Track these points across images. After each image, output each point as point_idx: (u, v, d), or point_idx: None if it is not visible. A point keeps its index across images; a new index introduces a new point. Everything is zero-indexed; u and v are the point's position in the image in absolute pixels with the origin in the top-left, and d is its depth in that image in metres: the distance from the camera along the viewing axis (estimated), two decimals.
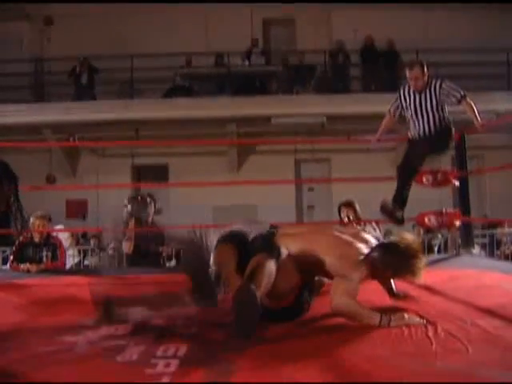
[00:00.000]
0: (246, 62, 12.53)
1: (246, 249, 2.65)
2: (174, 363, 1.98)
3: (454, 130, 4.74)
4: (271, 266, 2.48)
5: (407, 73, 4.65)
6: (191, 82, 12.61)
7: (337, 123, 11.75)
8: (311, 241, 2.72)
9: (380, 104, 5.26)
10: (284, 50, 13.26)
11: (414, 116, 4.69)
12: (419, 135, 4.66)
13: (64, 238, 8.39)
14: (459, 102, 4.54)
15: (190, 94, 12.37)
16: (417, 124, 4.68)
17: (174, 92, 12.26)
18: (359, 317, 2.51)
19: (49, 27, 13.37)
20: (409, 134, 4.83)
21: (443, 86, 4.57)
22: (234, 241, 2.73)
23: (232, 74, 12.33)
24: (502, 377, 1.78)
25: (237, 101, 11.73)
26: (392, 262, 2.62)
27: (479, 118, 4.47)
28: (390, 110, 4.92)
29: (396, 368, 1.88)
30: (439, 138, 4.61)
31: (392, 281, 2.96)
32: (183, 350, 2.15)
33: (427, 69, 4.62)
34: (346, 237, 2.77)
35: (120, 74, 12.26)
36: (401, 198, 4.69)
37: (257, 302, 2.26)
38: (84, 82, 12.17)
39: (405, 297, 2.98)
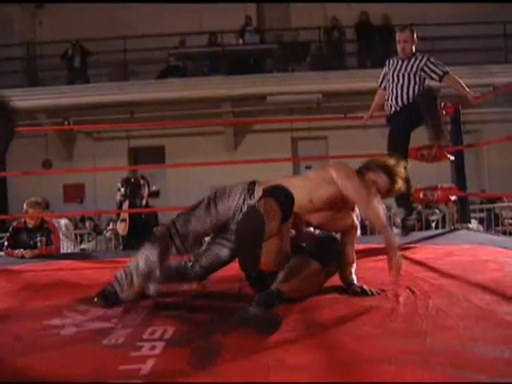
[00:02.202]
0: (240, 41, 12.40)
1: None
2: (160, 346, 1.94)
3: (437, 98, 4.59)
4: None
5: (397, 35, 4.60)
6: (185, 62, 12.52)
7: (333, 100, 11.68)
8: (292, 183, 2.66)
9: (376, 80, 5.20)
10: (278, 27, 13.12)
11: (390, 81, 4.63)
12: (396, 104, 4.57)
13: (66, 228, 8.42)
14: (441, 77, 4.47)
15: (184, 74, 12.30)
16: (393, 89, 4.59)
17: (168, 73, 12.19)
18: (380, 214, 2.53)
19: (40, 10, 13.24)
20: (385, 107, 4.74)
21: (430, 59, 4.52)
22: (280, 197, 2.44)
23: (226, 53, 12.22)
24: (493, 353, 1.75)
25: (231, 80, 11.65)
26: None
27: (468, 90, 4.41)
28: (379, 83, 4.90)
29: (385, 346, 1.85)
30: (416, 105, 4.49)
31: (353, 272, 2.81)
32: (170, 332, 2.11)
33: (416, 38, 4.58)
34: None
35: (113, 56, 12.17)
36: (407, 201, 4.61)
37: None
38: (77, 65, 12.08)
39: (361, 291, 2.67)
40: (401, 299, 2.48)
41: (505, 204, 9.43)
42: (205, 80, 11.80)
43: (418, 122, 4.52)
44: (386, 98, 4.71)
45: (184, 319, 2.32)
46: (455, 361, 1.69)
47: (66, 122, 11.42)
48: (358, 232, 2.90)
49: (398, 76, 4.58)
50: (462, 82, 4.49)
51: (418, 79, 4.52)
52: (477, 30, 11.11)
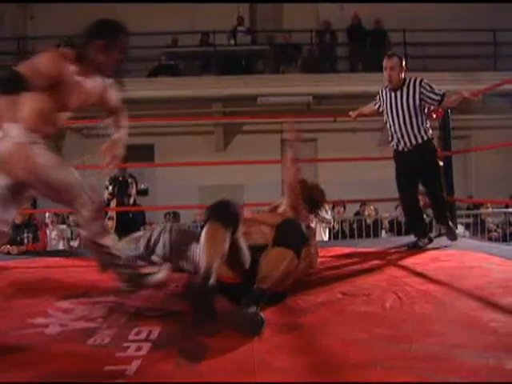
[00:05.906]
0: (232, 41, 12.39)
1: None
2: (146, 346, 1.94)
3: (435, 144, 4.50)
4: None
5: (384, 62, 4.35)
6: (177, 61, 12.47)
7: (323, 103, 11.70)
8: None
9: (367, 83, 5.19)
10: (270, 28, 13.12)
11: (389, 117, 4.44)
12: (404, 145, 4.40)
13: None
14: (440, 101, 4.22)
15: (176, 73, 12.24)
16: (395, 128, 4.40)
17: (159, 71, 12.14)
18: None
19: (32, 5, 13.15)
20: (391, 143, 4.55)
21: (422, 83, 4.27)
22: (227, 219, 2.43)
23: (218, 53, 12.20)
24: (478, 359, 1.76)
25: (223, 80, 11.64)
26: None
27: (465, 92, 4.20)
28: (373, 104, 4.70)
29: (370, 351, 1.86)
30: (423, 153, 4.37)
31: None
32: (156, 332, 2.11)
33: (405, 65, 4.37)
34: None
35: None
36: (421, 229, 4.63)
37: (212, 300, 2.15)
38: None
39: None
40: (387, 304, 2.49)
41: (490, 210, 9.49)
42: (196, 79, 11.77)
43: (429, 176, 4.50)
44: (390, 135, 4.51)
45: (169, 320, 2.32)
46: (440, 367, 1.70)
47: None
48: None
49: (397, 112, 4.36)
50: (452, 95, 4.25)
51: (419, 112, 4.30)
52: (467, 37, 11.17)
